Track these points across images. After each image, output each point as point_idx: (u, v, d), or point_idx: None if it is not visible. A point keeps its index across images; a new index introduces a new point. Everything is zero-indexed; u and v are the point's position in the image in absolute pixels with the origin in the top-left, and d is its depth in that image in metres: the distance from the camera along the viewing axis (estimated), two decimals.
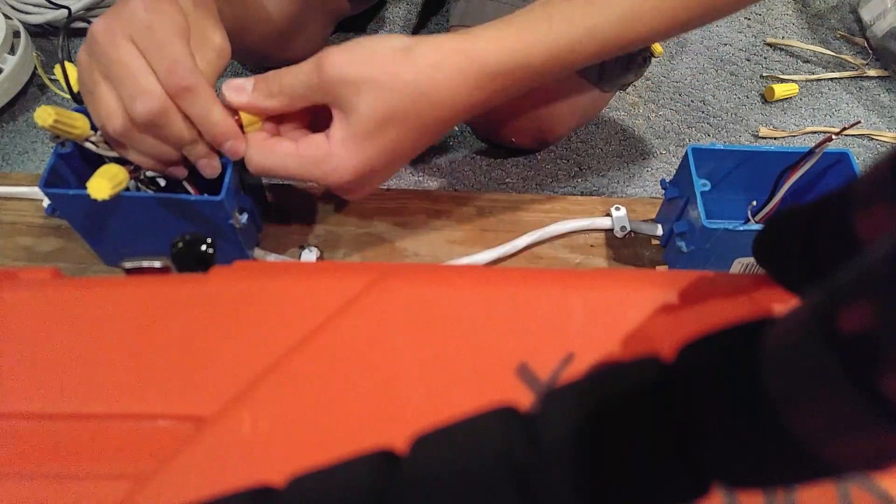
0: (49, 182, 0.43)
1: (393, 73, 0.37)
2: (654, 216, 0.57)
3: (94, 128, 0.41)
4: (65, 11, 0.65)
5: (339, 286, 0.26)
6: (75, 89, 0.42)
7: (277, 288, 0.26)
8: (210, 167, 0.41)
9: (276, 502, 0.21)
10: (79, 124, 0.40)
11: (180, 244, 0.29)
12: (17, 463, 0.23)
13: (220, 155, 0.43)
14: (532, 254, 0.55)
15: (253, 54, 0.65)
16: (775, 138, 0.68)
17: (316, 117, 0.42)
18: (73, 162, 0.46)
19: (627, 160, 0.65)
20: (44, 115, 0.37)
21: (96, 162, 0.46)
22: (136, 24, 0.36)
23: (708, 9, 0.42)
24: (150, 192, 0.44)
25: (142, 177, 0.43)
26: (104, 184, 0.39)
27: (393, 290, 0.26)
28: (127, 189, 0.43)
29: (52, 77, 0.66)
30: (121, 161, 0.42)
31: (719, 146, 0.50)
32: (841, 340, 0.13)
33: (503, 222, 0.57)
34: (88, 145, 0.41)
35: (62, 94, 0.63)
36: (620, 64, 0.57)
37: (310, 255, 0.53)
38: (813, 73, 0.74)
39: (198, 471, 0.23)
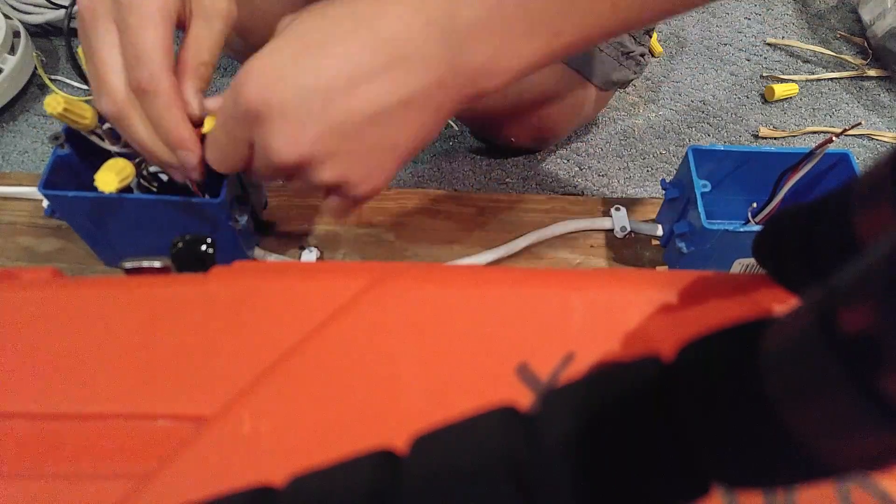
0: (48, 184, 0.43)
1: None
2: (654, 216, 0.57)
3: (101, 120, 0.41)
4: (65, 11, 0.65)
5: (339, 286, 0.26)
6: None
7: (277, 288, 0.26)
8: (178, 175, 0.38)
9: (277, 502, 0.21)
10: (87, 115, 0.40)
11: (180, 244, 0.29)
12: (17, 463, 0.23)
13: None
14: (532, 254, 0.55)
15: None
16: (775, 138, 0.68)
17: None
18: (73, 163, 0.46)
19: (627, 160, 0.65)
20: (53, 102, 0.37)
21: (95, 163, 0.46)
22: (119, 0, 0.33)
23: None
24: (150, 195, 0.44)
25: (145, 172, 0.43)
26: (111, 177, 0.39)
27: (393, 290, 0.26)
28: (129, 188, 0.43)
29: (53, 77, 0.66)
30: (126, 156, 0.42)
31: (720, 147, 0.50)
32: (841, 340, 0.13)
33: (503, 222, 0.57)
34: (94, 138, 0.42)
35: (58, 93, 0.63)
36: (619, 63, 0.57)
37: (310, 255, 0.53)
38: (813, 73, 0.74)
39: (198, 471, 0.23)
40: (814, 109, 0.71)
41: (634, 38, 0.57)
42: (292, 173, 0.33)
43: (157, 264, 0.28)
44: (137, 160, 0.42)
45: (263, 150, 0.32)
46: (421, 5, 0.31)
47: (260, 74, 0.31)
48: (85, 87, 0.66)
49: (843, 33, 0.78)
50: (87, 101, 0.41)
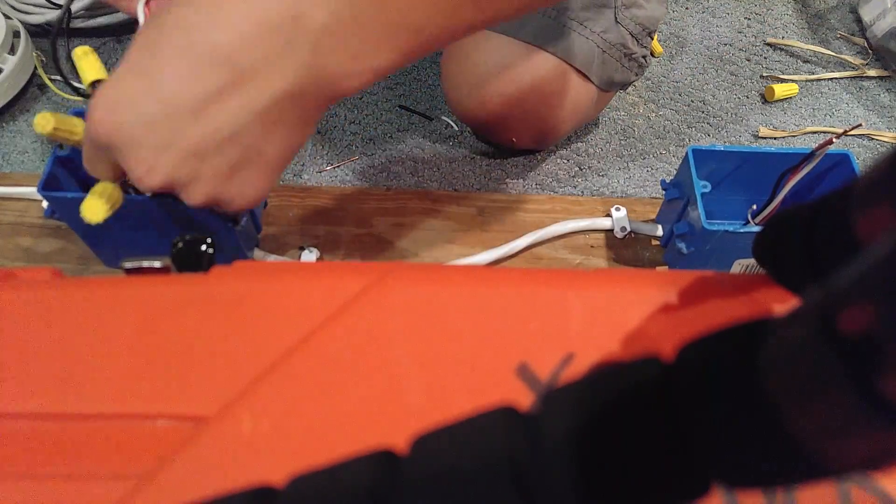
0: (48, 185, 0.43)
1: None
2: (654, 216, 0.57)
3: None
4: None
5: (339, 286, 0.26)
6: (85, 83, 0.42)
7: (277, 288, 0.26)
8: None
9: (277, 502, 0.21)
10: (78, 129, 0.39)
11: (180, 244, 0.29)
12: (17, 463, 0.23)
13: None
14: (532, 254, 0.55)
15: None
16: (775, 138, 0.68)
17: None
18: (72, 164, 0.46)
19: (627, 160, 0.65)
20: (43, 122, 0.36)
21: None
22: None
23: None
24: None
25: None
26: (100, 205, 0.37)
27: (393, 290, 0.26)
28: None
29: (52, 77, 0.66)
30: None
31: (720, 147, 0.50)
32: (841, 341, 0.13)
33: (503, 222, 0.57)
34: None
35: (62, 93, 0.63)
36: (621, 64, 0.57)
37: (310, 256, 0.53)
38: (813, 73, 0.74)
39: (198, 471, 0.23)
40: (814, 109, 0.71)
41: (637, 40, 0.57)
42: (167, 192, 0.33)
43: (157, 264, 0.28)
44: (125, 179, 0.42)
45: (129, 174, 0.32)
46: (258, 12, 0.29)
47: (106, 106, 0.30)
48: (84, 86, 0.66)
49: (843, 33, 0.78)
50: (76, 115, 0.40)
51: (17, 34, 0.65)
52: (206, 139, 0.30)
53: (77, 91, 0.63)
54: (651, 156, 0.65)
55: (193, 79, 0.29)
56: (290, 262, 0.51)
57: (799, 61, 0.75)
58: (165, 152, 0.30)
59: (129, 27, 0.71)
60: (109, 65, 0.68)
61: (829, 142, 0.45)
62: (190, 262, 0.29)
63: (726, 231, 0.45)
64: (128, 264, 0.28)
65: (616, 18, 0.55)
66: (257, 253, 0.52)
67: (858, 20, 0.79)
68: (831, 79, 0.74)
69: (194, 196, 0.33)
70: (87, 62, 0.41)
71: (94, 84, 0.42)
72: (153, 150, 0.30)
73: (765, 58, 0.75)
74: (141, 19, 0.39)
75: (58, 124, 0.37)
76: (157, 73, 0.29)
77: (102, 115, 0.30)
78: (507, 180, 0.62)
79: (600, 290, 0.26)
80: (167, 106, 0.29)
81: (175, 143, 0.30)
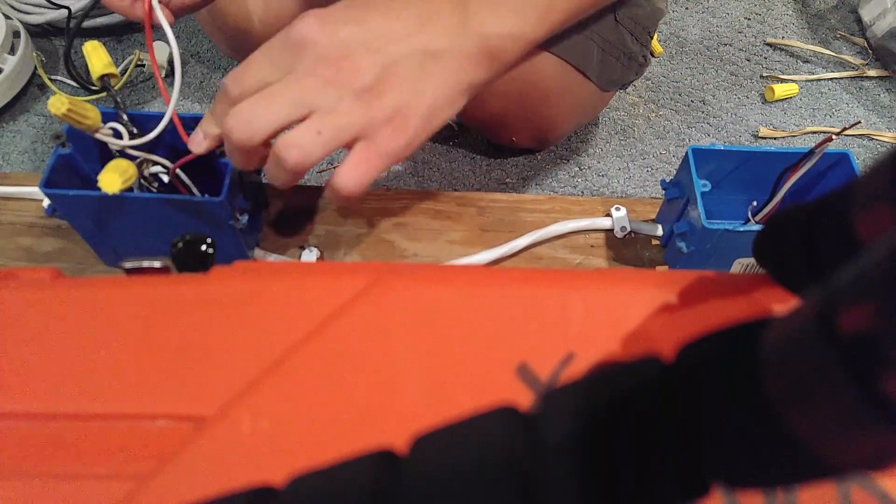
0: (49, 182, 0.44)
1: None
2: (654, 216, 0.57)
3: (104, 120, 0.41)
4: (65, 11, 0.65)
5: (339, 286, 0.26)
6: (94, 76, 0.42)
7: (277, 288, 0.26)
8: None
9: (277, 502, 0.21)
10: (90, 115, 0.40)
11: (180, 244, 0.29)
12: (17, 463, 0.23)
13: (222, 155, 0.43)
14: (532, 254, 0.55)
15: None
16: (775, 138, 0.68)
17: None
18: (74, 162, 0.46)
19: (627, 160, 0.65)
20: (57, 103, 0.38)
21: (96, 162, 0.46)
22: None
23: None
24: (151, 194, 0.44)
25: (146, 173, 0.44)
26: (115, 178, 0.40)
27: (393, 290, 0.26)
28: (131, 189, 0.43)
29: (53, 77, 0.66)
30: (128, 156, 0.42)
31: (720, 147, 0.50)
32: (841, 340, 0.13)
33: (503, 222, 0.57)
34: (99, 136, 0.42)
35: (62, 94, 0.63)
36: (621, 63, 0.57)
37: (310, 255, 0.53)
38: (813, 73, 0.74)
39: (198, 471, 0.23)
40: (814, 109, 0.71)
41: (636, 39, 0.57)
42: (315, 103, 0.37)
43: (157, 264, 0.28)
44: (138, 160, 0.42)
45: (309, 65, 0.37)
46: None
47: (320, 15, 0.37)
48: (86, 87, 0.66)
49: (843, 33, 0.78)
50: (89, 101, 0.41)
51: (17, 34, 0.65)
52: (389, 55, 0.38)
53: (84, 87, 0.64)
54: (651, 156, 0.65)
55: (392, 20, 0.38)
56: (290, 262, 0.51)
57: (799, 61, 0.75)
58: (363, 53, 0.37)
59: (129, 27, 0.71)
60: None
61: (829, 139, 0.45)
62: (190, 262, 0.29)
63: (726, 230, 0.45)
64: (128, 264, 0.28)
65: (616, 18, 0.55)
66: (257, 253, 0.52)
67: (858, 20, 0.79)
68: (831, 79, 0.74)
69: (369, 106, 0.37)
70: (96, 57, 0.42)
71: (103, 78, 0.42)
72: (359, 49, 0.37)
73: (765, 58, 0.76)
74: (159, 14, 0.40)
75: (72, 106, 0.38)
76: (367, 12, 0.38)
77: (317, 20, 0.37)
78: (507, 180, 0.62)
79: (600, 290, 0.26)
80: (369, 32, 0.37)
81: (371, 53, 0.37)
